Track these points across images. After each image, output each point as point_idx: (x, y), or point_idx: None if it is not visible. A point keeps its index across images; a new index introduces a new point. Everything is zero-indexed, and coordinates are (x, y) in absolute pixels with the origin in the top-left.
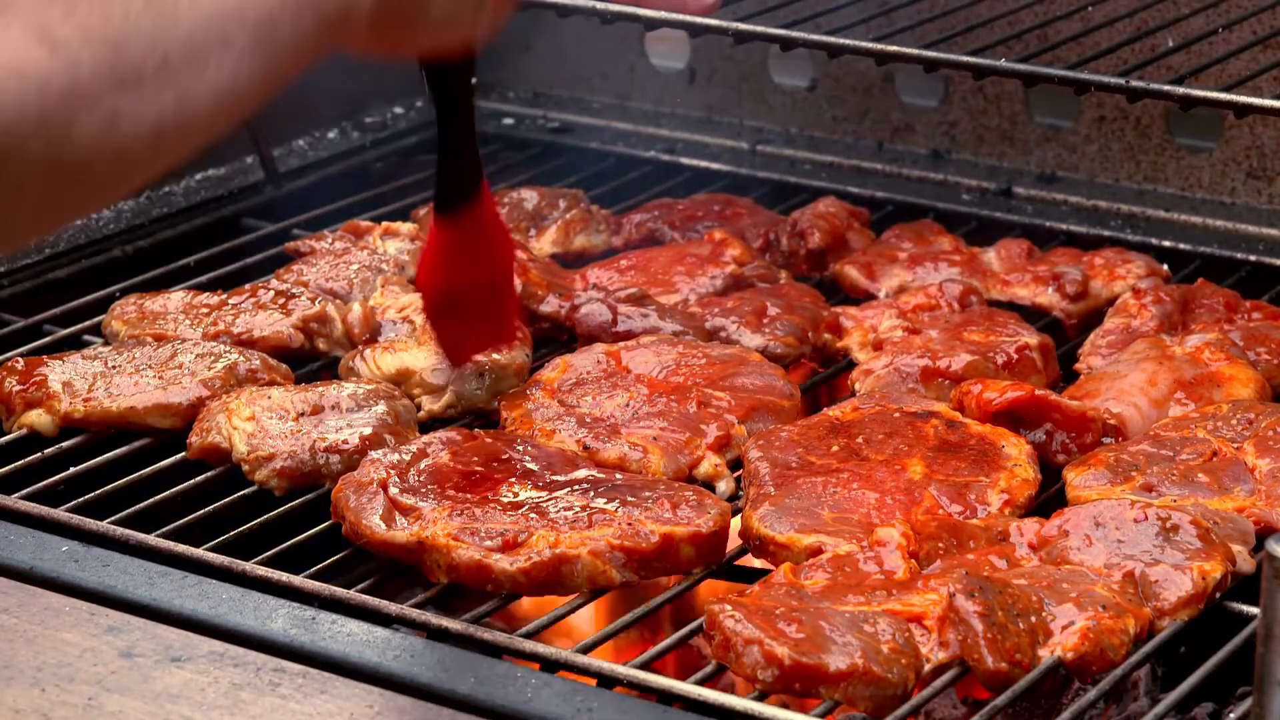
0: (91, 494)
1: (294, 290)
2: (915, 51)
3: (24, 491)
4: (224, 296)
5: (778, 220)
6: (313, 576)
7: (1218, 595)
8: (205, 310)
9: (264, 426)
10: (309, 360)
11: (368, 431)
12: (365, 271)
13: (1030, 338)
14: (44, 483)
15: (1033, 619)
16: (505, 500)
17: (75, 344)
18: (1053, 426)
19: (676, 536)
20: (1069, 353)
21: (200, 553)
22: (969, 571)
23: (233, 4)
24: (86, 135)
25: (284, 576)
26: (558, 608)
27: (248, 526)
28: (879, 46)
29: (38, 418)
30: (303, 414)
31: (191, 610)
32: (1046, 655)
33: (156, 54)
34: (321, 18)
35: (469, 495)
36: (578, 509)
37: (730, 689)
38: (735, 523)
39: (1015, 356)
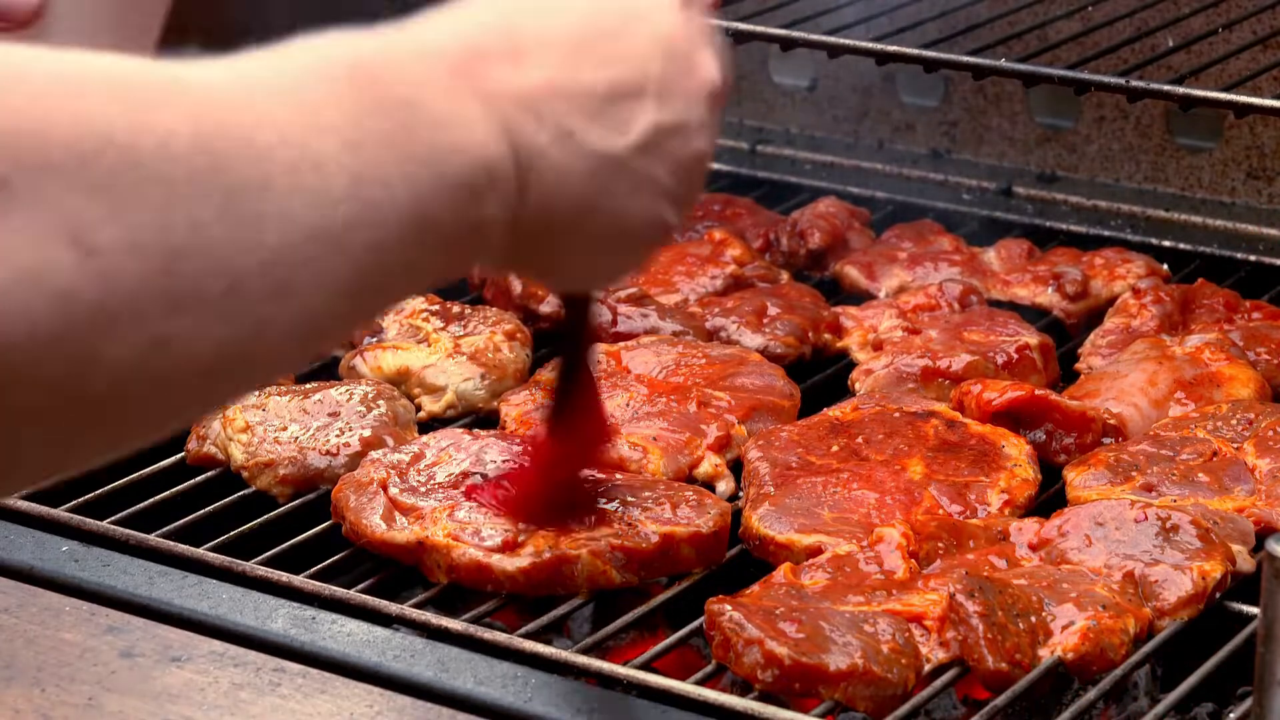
0: (91, 494)
1: None
2: (915, 51)
3: (24, 491)
4: None
5: (778, 220)
6: (313, 576)
7: (1218, 595)
8: None
9: (262, 435)
10: None
11: (367, 433)
12: None
13: (1030, 338)
14: (44, 483)
15: (1033, 619)
16: None
17: None
18: (1053, 426)
19: (677, 537)
20: (1069, 353)
21: (200, 553)
22: (969, 571)
23: (337, 226)
24: (121, 361)
25: (284, 576)
26: (558, 608)
27: (248, 526)
28: (879, 46)
29: None
30: (300, 419)
31: (191, 610)
32: (1046, 655)
33: (225, 277)
34: (444, 243)
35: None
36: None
37: (730, 689)
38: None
39: (1015, 356)
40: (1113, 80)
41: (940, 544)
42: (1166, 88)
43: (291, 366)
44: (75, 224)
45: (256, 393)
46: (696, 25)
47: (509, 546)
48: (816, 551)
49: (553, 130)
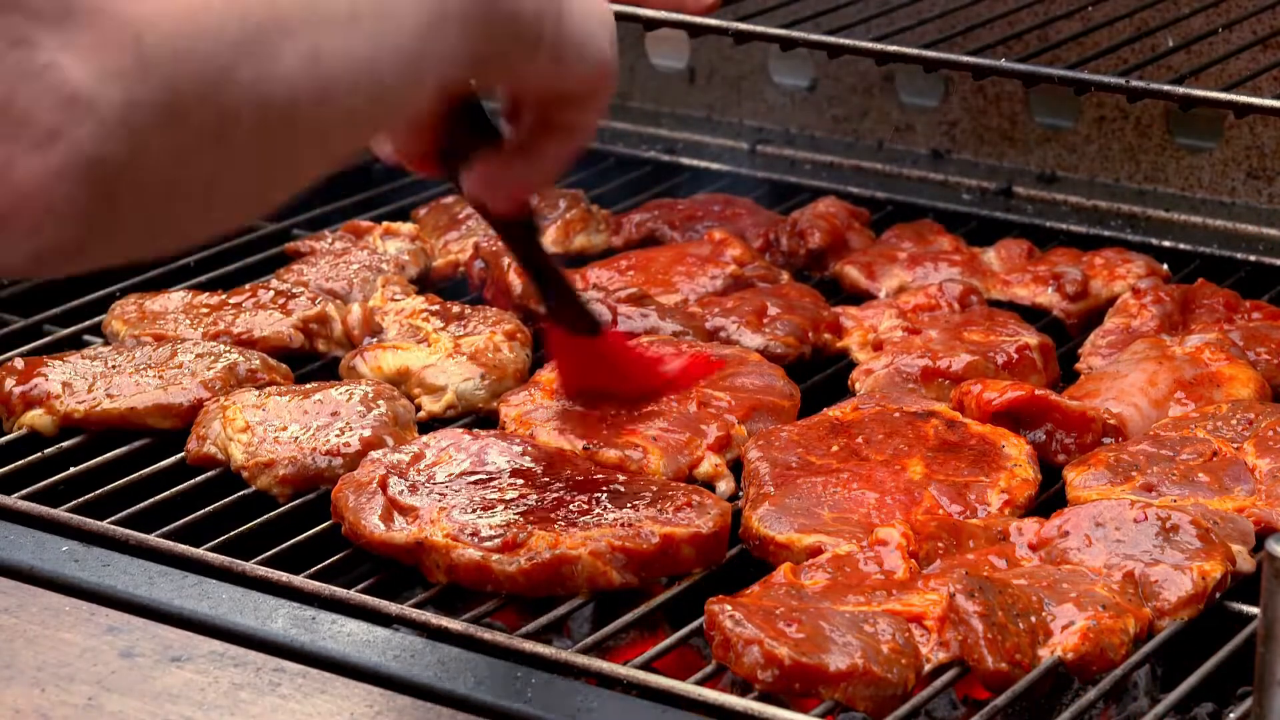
0: (91, 494)
1: (294, 290)
2: (915, 51)
3: (24, 491)
4: (224, 296)
5: (778, 220)
6: (313, 576)
7: (1218, 595)
8: (205, 310)
9: (262, 435)
10: (309, 360)
11: (367, 433)
12: (365, 271)
13: (1030, 338)
14: (44, 483)
15: (1033, 619)
16: (505, 500)
17: (75, 344)
18: (1053, 426)
19: (677, 537)
20: (1069, 353)
21: (200, 553)
22: (969, 571)
23: None
24: (291, 68)
25: (284, 576)
26: (558, 608)
27: (248, 526)
28: (879, 46)
29: (38, 418)
30: (300, 419)
31: (191, 610)
32: (1046, 655)
33: (344, 2)
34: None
35: (468, 495)
36: (578, 509)
37: (730, 689)
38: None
39: (1015, 356)
40: (1113, 80)
41: (940, 544)
42: (1166, 88)
43: (399, 106)
44: None
45: (255, 393)
46: None
47: (509, 547)
48: (816, 551)
49: None
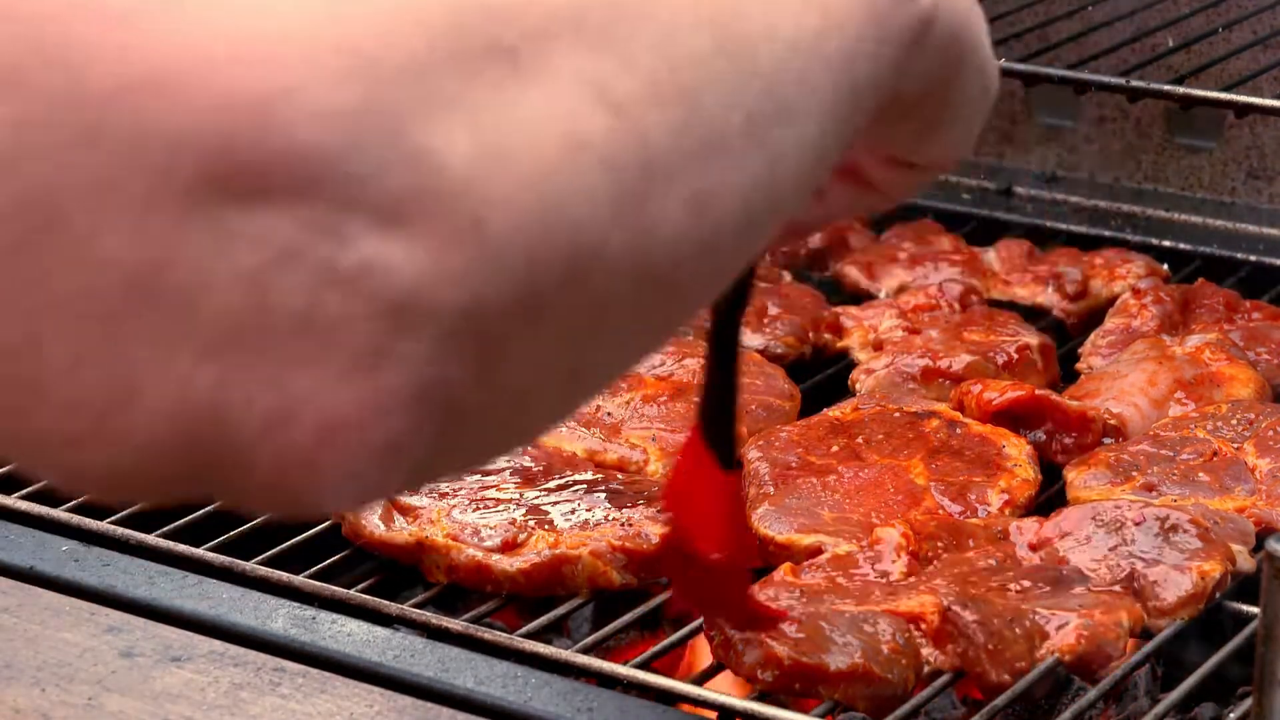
0: None
1: None
2: None
3: (24, 491)
4: None
5: None
6: (313, 576)
7: (1218, 595)
8: None
9: None
10: None
11: None
12: None
13: (1030, 338)
14: (44, 482)
15: (1026, 622)
16: (505, 500)
17: None
18: (1053, 426)
19: None
20: (1069, 353)
21: (200, 553)
22: (959, 591)
23: (809, 35)
24: (670, 225)
25: (284, 576)
26: (558, 608)
27: (248, 526)
28: None
29: None
30: None
31: (192, 610)
32: (1045, 656)
33: (739, 110)
34: (896, 43)
35: (469, 495)
36: (578, 509)
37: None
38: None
39: (1015, 356)
40: (1113, 80)
41: (940, 544)
42: (1166, 88)
43: (794, 207)
44: (594, 84)
45: None
46: None
47: (509, 546)
48: (816, 551)
49: None
